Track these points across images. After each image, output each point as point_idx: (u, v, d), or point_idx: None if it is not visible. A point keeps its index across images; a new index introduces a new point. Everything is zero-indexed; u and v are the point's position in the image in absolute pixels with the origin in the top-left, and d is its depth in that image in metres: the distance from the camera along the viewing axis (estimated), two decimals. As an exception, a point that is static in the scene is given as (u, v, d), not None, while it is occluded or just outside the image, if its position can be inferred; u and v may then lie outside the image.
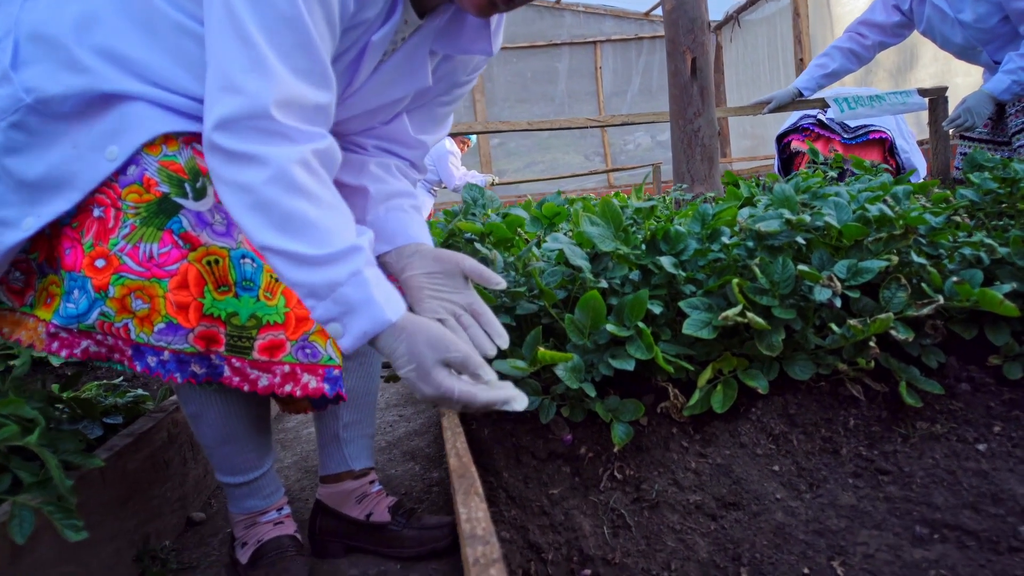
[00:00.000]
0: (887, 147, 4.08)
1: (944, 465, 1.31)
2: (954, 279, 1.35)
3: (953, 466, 1.31)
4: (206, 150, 1.05)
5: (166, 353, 1.17)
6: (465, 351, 1.06)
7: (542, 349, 1.26)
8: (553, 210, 1.77)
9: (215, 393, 1.34)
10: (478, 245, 1.52)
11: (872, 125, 4.06)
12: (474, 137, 6.21)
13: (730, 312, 1.31)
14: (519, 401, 1.07)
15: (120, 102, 1.16)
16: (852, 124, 4.05)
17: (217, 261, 1.17)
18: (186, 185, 1.17)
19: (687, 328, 1.34)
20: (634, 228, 1.51)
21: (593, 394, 1.29)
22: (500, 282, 1.24)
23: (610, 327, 1.31)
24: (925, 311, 1.35)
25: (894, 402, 1.42)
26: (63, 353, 1.21)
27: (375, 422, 1.58)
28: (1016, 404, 1.42)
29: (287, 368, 1.24)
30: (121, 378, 1.80)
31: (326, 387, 1.28)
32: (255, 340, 1.20)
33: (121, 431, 1.53)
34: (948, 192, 1.70)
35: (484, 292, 1.37)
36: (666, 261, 1.40)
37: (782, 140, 4.27)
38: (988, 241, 1.43)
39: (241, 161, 1.02)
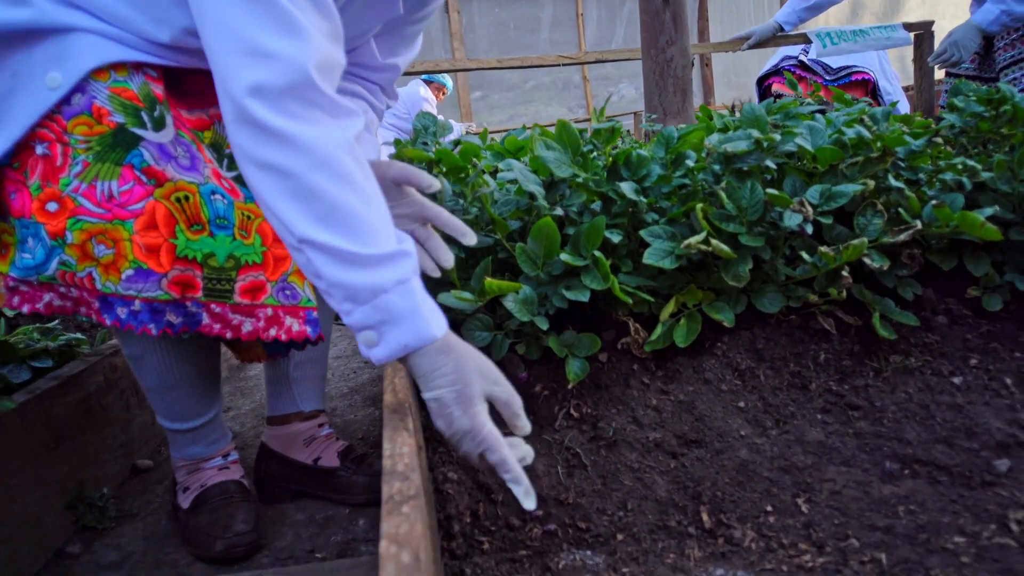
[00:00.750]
0: (870, 89, 3.97)
1: (917, 399, 1.25)
2: (933, 203, 1.26)
3: (927, 400, 1.24)
4: (233, 120, 0.90)
5: (137, 303, 1.06)
6: (511, 389, 0.95)
7: (489, 279, 1.17)
8: (516, 144, 1.66)
9: (156, 340, 1.24)
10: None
11: (855, 66, 3.95)
12: (450, 84, 6.03)
13: (693, 240, 1.22)
14: (529, 456, 0.96)
15: (66, 33, 1.03)
16: (834, 65, 3.93)
17: (187, 197, 1.07)
18: (143, 114, 1.06)
19: (647, 258, 1.25)
20: (594, 154, 1.41)
21: (545, 327, 1.21)
22: (433, 183, 1.14)
23: (564, 256, 1.22)
24: (902, 237, 1.27)
25: (867, 336, 1.35)
26: (25, 308, 1.09)
27: (327, 364, 1.49)
28: (994, 336, 1.35)
29: (270, 311, 1.15)
30: (56, 322, 1.70)
31: (308, 330, 1.20)
32: (235, 283, 1.10)
33: (48, 375, 1.43)
34: (930, 122, 1.60)
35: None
36: (627, 187, 1.30)
37: (763, 83, 4.14)
38: (971, 163, 1.34)
39: (280, 140, 0.88)
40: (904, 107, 4.10)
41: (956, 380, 1.27)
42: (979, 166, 1.33)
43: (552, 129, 1.48)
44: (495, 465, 0.90)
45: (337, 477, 1.41)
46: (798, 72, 4.02)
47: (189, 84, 1.18)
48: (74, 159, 1.03)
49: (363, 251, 0.89)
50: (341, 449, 1.45)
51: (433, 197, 1.40)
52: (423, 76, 5.92)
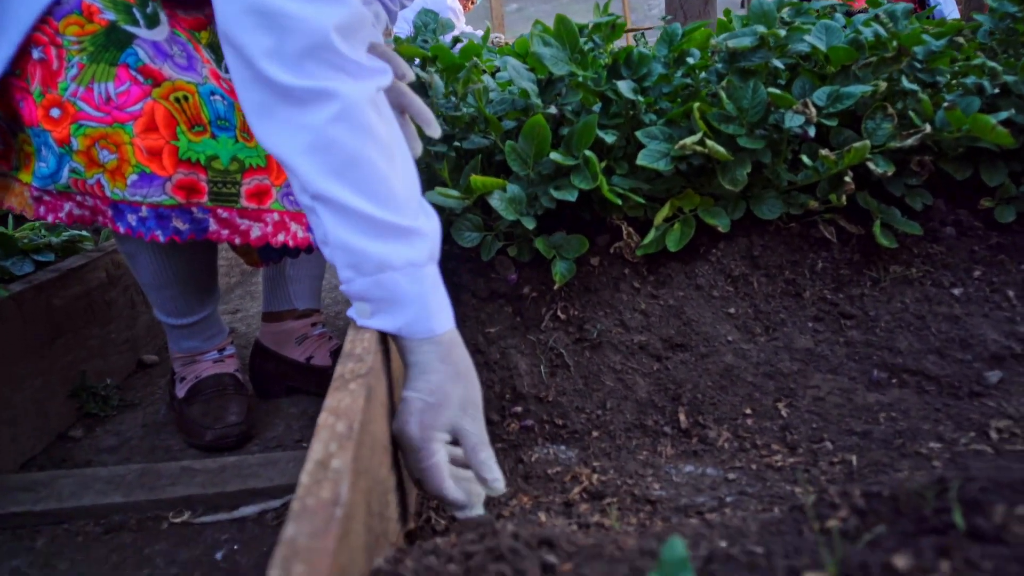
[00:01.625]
0: (916, -5, 3.75)
1: (914, 310, 1.21)
2: (945, 105, 1.20)
3: (923, 311, 1.21)
4: (247, 80, 0.84)
5: (144, 209, 1.05)
6: (485, 437, 0.86)
7: (475, 176, 1.14)
8: (526, 46, 1.60)
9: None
10: (419, 71, 1.37)
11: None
12: (480, -7, 5.85)
13: (688, 140, 1.18)
14: (470, 511, 0.85)
15: None
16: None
17: (186, 98, 1.04)
18: (135, 11, 1.03)
19: (642, 159, 1.21)
20: (595, 52, 1.35)
21: (532, 227, 1.19)
22: (408, 72, 1.11)
23: (555, 156, 1.19)
24: (909, 142, 1.21)
25: (869, 245, 1.31)
26: (50, 218, 1.09)
27: (324, 264, 1.50)
28: (1003, 249, 1.30)
29: (276, 216, 1.14)
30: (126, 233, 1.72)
31: (312, 236, 1.19)
32: (241, 186, 1.08)
33: (49, 268, 1.46)
34: (960, 23, 1.50)
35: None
36: (624, 86, 1.25)
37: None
38: (992, 64, 1.26)
39: (299, 97, 0.81)
40: (952, 10, 3.87)
41: (956, 291, 1.23)
42: (999, 68, 1.25)
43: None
44: (434, 490, 0.83)
45: (329, 376, 1.43)
46: None
47: None
48: (69, 61, 1.01)
49: (377, 214, 0.81)
50: (334, 348, 1.47)
51: (424, 93, 1.36)
52: (452, -16, 5.74)
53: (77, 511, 1.13)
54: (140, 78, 1.02)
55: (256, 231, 1.12)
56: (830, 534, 0.60)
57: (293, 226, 1.16)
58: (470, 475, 0.86)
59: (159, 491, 1.15)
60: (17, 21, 1.00)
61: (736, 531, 0.68)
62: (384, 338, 0.91)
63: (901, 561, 0.48)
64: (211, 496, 1.14)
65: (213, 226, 1.09)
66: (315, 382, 1.45)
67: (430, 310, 0.84)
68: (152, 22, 1.04)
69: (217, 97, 1.07)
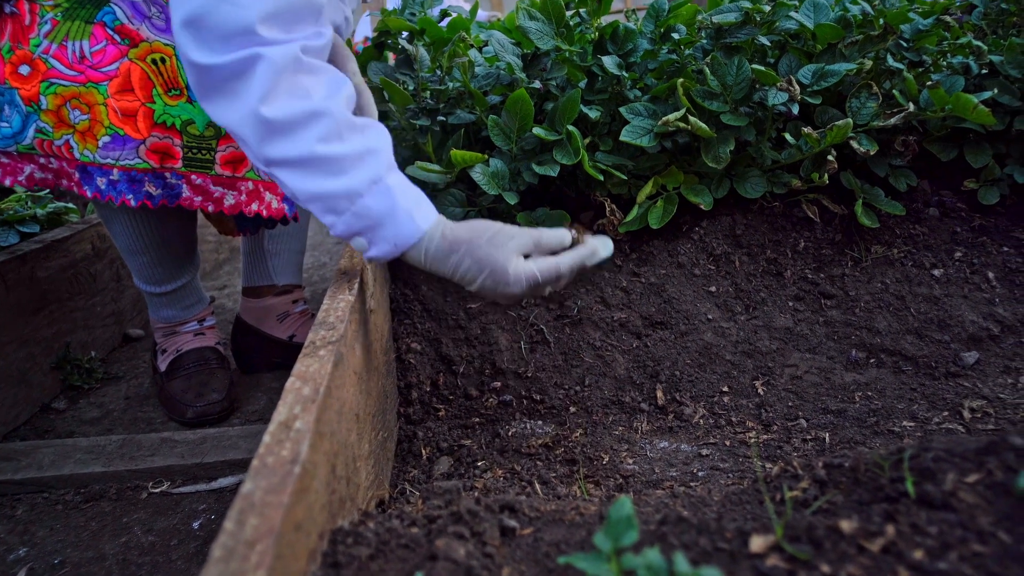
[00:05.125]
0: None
1: (894, 290, 1.22)
2: (928, 84, 1.19)
3: (903, 291, 1.21)
4: (187, 69, 0.83)
5: (115, 172, 1.04)
6: (530, 231, 0.89)
7: (455, 150, 1.14)
8: (515, 21, 1.59)
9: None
10: (406, 44, 1.36)
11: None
12: (478, -27, 5.78)
13: (671, 116, 1.17)
14: (604, 247, 0.91)
15: None
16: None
17: (163, 60, 1.03)
18: None
19: (625, 135, 1.21)
20: (582, 27, 1.34)
21: (514, 202, 1.19)
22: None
23: (537, 131, 1.18)
24: (892, 121, 1.20)
25: (851, 225, 1.31)
26: (7, 181, 1.08)
27: (305, 239, 1.49)
28: (985, 231, 1.30)
29: (251, 185, 1.13)
30: (48, 191, 1.71)
31: (286, 207, 1.18)
32: (216, 152, 1.08)
33: (33, 238, 1.46)
34: (955, 3, 1.49)
35: (398, 91, 1.23)
36: (609, 61, 1.25)
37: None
38: (977, 44, 1.25)
39: (214, 73, 0.81)
40: None
41: (936, 272, 1.23)
42: (985, 47, 1.24)
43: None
44: (571, 272, 0.88)
45: (313, 350, 1.44)
46: None
47: None
48: (42, 17, 1.00)
49: (327, 151, 0.82)
50: (318, 324, 1.47)
51: (410, 66, 1.36)
52: (450, -36, 5.69)
53: (57, 480, 1.14)
54: (117, 38, 1.01)
55: (230, 199, 1.11)
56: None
57: (268, 196, 1.15)
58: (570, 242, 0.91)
59: (139, 461, 1.16)
60: None
61: (699, 500, 0.68)
62: (361, 307, 0.91)
63: (847, 525, 0.49)
64: (190, 467, 1.15)
65: (186, 192, 1.09)
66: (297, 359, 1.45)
67: (408, 213, 0.85)
68: None
69: None
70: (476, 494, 0.69)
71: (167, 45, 1.03)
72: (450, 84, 1.32)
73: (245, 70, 0.80)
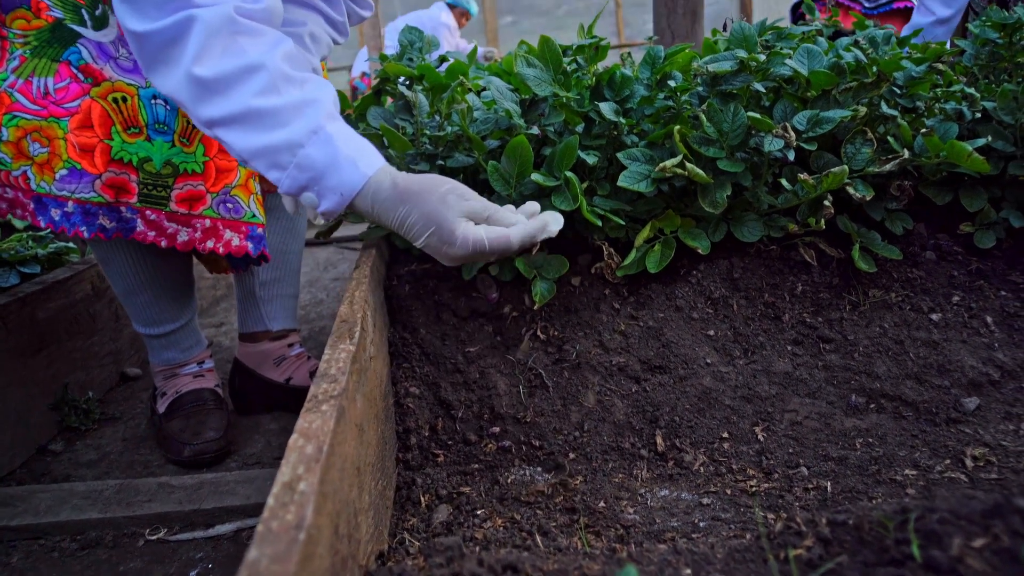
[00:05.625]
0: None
1: (892, 334, 1.22)
2: (923, 131, 1.21)
3: (902, 336, 1.22)
4: (130, 43, 0.88)
5: (70, 204, 1.06)
6: (485, 202, 0.91)
7: (456, 195, 1.15)
8: (513, 64, 1.61)
9: (121, 242, 1.25)
10: (405, 90, 1.38)
11: (900, -7, 3.74)
12: (474, 9, 5.87)
13: (668, 163, 1.19)
14: (555, 222, 0.93)
15: None
16: (877, -9, 3.73)
17: (125, 99, 1.06)
18: (83, 11, 1.04)
19: (623, 180, 1.22)
20: (579, 73, 1.36)
21: (513, 247, 1.19)
22: None
23: (536, 176, 1.19)
24: (888, 167, 1.22)
25: (849, 269, 1.32)
26: None
27: (298, 283, 1.50)
28: (982, 275, 1.31)
29: (208, 223, 1.15)
30: (49, 230, 1.72)
31: (249, 245, 1.20)
32: (172, 190, 1.10)
33: (34, 280, 1.46)
34: (943, 49, 1.52)
35: (397, 137, 1.24)
36: (606, 108, 1.26)
37: (796, 10, 3.97)
38: (970, 91, 1.27)
39: (148, 37, 0.84)
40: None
41: (935, 317, 1.24)
42: (977, 95, 1.26)
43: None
44: (520, 245, 0.89)
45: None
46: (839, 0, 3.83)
47: None
48: (11, 53, 1.03)
49: (264, 104, 0.83)
50: (313, 369, 1.47)
51: (409, 112, 1.37)
52: (447, 0, 5.78)
53: (53, 526, 1.13)
54: (80, 76, 1.03)
55: (183, 235, 1.13)
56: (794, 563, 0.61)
57: (227, 234, 1.17)
58: (520, 218, 0.92)
59: (136, 507, 1.15)
60: None
61: (702, 558, 0.68)
62: (363, 356, 0.92)
63: (853, 595, 0.48)
64: (187, 513, 1.14)
65: (140, 227, 1.11)
66: (295, 401, 1.45)
67: (351, 161, 0.85)
68: (100, 23, 1.06)
69: (159, 101, 1.09)
70: (478, 550, 0.69)
71: (130, 85, 1.07)
72: (449, 129, 1.33)
73: (180, 34, 0.83)
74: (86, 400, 1.48)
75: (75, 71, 1.03)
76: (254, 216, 1.20)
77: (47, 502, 1.17)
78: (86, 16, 1.04)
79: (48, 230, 1.12)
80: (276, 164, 0.85)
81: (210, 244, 1.16)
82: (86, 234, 1.08)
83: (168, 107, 1.09)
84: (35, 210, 1.08)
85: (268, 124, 0.84)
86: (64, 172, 1.04)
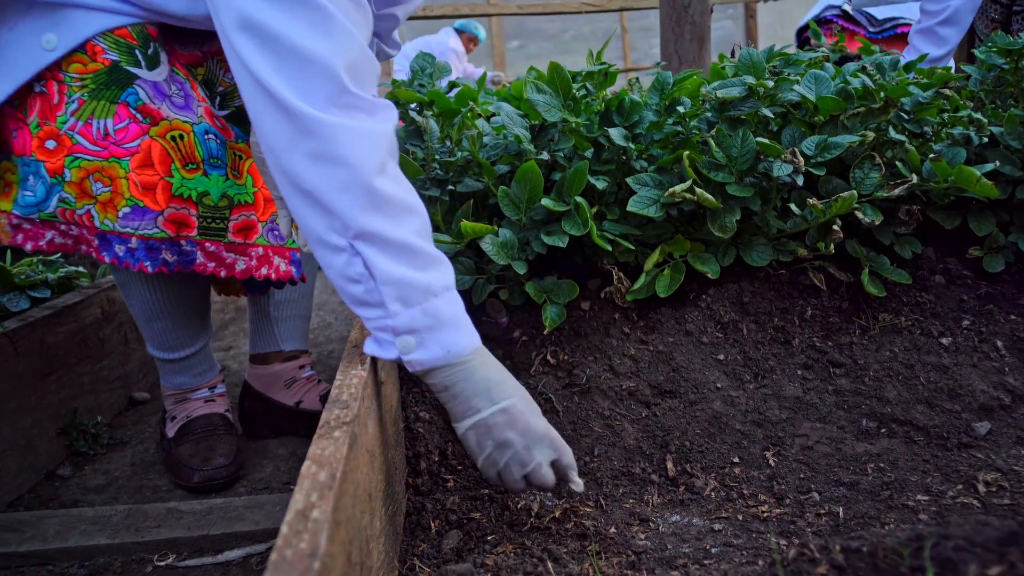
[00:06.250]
0: (916, 43, 3.79)
1: (903, 359, 1.22)
2: (931, 156, 1.21)
3: (912, 360, 1.21)
4: (273, 114, 0.89)
5: (134, 240, 1.08)
6: (568, 456, 0.96)
7: (465, 221, 1.16)
8: (523, 89, 1.63)
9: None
10: (415, 115, 1.40)
11: (902, 18, 3.77)
12: (482, 35, 5.94)
13: (677, 188, 1.19)
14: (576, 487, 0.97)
15: (59, 7, 1.04)
16: (879, 16, 3.76)
17: (182, 136, 1.08)
18: (137, 52, 1.06)
19: (632, 205, 1.23)
20: (588, 99, 1.37)
21: (523, 271, 1.20)
22: None
23: (546, 201, 1.20)
24: (897, 192, 1.22)
25: (858, 293, 1.32)
26: (28, 246, 1.13)
27: (311, 304, 1.50)
28: (991, 299, 1.31)
29: (261, 251, 1.18)
30: (59, 254, 1.74)
31: (293, 270, 1.23)
32: (229, 221, 1.12)
33: (44, 304, 1.47)
34: (949, 74, 1.53)
35: (409, 163, 1.26)
36: (615, 133, 1.27)
37: (802, 34, 4.00)
38: (977, 116, 1.28)
39: (328, 135, 0.87)
40: (950, 62, 3.92)
41: (945, 341, 1.23)
42: (984, 120, 1.27)
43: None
44: (567, 468, 0.94)
45: (318, 420, 1.43)
46: (840, 23, 3.86)
47: None
48: (70, 97, 1.04)
49: (416, 244, 0.89)
50: (323, 392, 1.47)
51: (420, 137, 1.39)
52: (455, 25, 5.84)
53: (61, 552, 1.12)
54: (139, 116, 1.05)
55: (241, 264, 1.15)
56: (808, 593, 0.60)
57: (276, 260, 1.20)
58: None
59: (144, 533, 1.14)
60: (16, 71, 1.04)
61: (716, 586, 0.67)
62: (374, 381, 0.92)
63: (872, 625, 0.48)
64: (196, 539, 1.13)
65: (200, 258, 1.12)
66: (304, 426, 1.45)
67: (469, 328, 0.93)
68: (153, 63, 1.08)
69: (211, 136, 1.10)
70: (490, 579, 0.68)
71: (185, 122, 1.08)
72: (459, 154, 1.35)
73: (346, 136, 0.87)
74: (95, 424, 1.48)
75: (133, 111, 1.05)
76: (293, 242, 1.23)
77: (55, 528, 1.16)
78: (140, 57, 1.06)
79: (106, 263, 1.14)
80: (404, 299, 0.88)
81: (264, 271, 1.19)
82: (150, 268, 1.10)
83: (219, 141, 1.11)
84: (99, 246, 1.10)
85: (416, 263, 0.89)
86: (127, 210, 1.06)
